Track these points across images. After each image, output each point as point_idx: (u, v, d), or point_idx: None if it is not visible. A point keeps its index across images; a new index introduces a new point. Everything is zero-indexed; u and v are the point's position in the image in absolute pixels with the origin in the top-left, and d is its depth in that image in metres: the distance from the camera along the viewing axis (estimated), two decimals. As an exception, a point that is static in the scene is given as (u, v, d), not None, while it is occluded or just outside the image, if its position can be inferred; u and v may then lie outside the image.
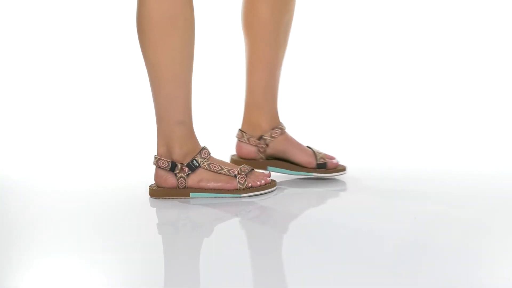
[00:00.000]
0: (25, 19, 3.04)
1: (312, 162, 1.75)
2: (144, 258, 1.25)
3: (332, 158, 1.77)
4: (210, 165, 1.63)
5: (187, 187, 1.62)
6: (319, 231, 1.40)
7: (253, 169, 1.68)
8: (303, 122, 2.42)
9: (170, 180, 1.62)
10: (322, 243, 1.32)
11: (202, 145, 1.65)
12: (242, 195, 1.62)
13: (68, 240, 1.35)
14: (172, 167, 1.61)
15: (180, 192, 1.63)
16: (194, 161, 1.62)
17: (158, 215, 1.56)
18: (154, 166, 1.64)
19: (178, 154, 1.62)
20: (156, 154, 1.63)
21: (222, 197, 1.62)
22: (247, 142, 1.76)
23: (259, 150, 1.76)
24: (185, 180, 1.62)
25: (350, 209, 1.59)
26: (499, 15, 3.02)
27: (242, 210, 1.56)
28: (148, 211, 1.58)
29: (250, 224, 1.51)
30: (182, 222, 1.52)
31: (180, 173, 1.62)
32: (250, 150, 1.76)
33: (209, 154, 1.64)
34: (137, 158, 2.12)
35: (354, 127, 2.57)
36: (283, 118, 1.82)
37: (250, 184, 1.63)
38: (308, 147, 1.78)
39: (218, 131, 2.13)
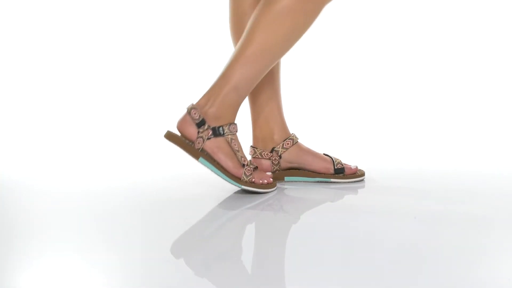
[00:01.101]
0: (25, 19, 3.04)
1: (330, 168, 1.75)
2: (145, 259, 1.25)
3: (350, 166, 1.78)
4: (233, 140, 1.63)
5: (201, 149, 1.62)
6: (319, 231, 1.40)
7: (257, 167, 1.68)
8: (305, 128, 2.42)
9: (191, 129, 1.62)
10: (323, 242, 1.32)
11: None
12: (243, 186, 1.63)
13: (68, 240, 1.35)
14: (200, 124, 1.62)
15: (192, 150, 1.62)
16: (221, 129, 1.63)
17: (159, 215, 1.56)
18: (185, 112, 1.64)
19: (212, 112, 1.63)
20: (194, 102, 1.64)
21: (223, 180, 1.64)
22: (260, 157, 1.76)
23: (273, 163, 1.76)
24: (203, 141, 1.62)
25: (349, 208, 1.59)
26: (499, 15, 3.02)
27: (244, 210, 1.56)
28: (149, 211, 1.57)
29: (249, 225, 1.51)
30: (184, 222, 1.52)
31: (202, 133, 1.62)
32: (265, 164, 1.76)
33: (236, 131, 1.65)
34: (138, 158, 2.12)
35: (354, 129, 2.57)
36: (290, 127, 1.82)
37: (253, 180, 1.64)
38: (325, 154, 1.78)
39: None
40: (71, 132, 2.54)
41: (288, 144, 1.75)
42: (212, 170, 1.63)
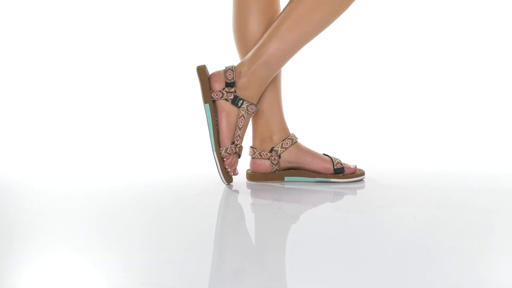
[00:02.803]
0: (25, 19, 3.04)
1: (330, 168, 1.75)
2: (146, 259, 1.25)
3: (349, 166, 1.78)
4: (242, 117, 1.69)
5: (214, 101, 1.69)
6: (318, 231, 1.40)
7: (238, 156, 1.73)
8: (305, 128, 2.42)
9: (217, 84, 1.70)
10: (322, 242, 1.32)
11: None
12: (215, 154, 1.68)
13: (68, 240, 1.35)
14: (229, 85, 1.69)
15: (207, 93, 1.69)
16: (241, 101, 1.69)
17: (160, 214, 1.56)
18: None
19: (242, 82, 1.69)
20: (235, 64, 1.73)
21: (208, 137, 1.70)
22: (259, 157, 1.76)
23: (272, 163, 1.76)
24: (220, 97, 1.69)
25: (349, 208, 1.59)
26: (499, 15, 3.02)
27: (243, 210, 1.56)
28: (150, 211, 1.58)
29: (249, 225, 1.51)
30: (183, 223, 1.52)
31: (226, 93, 1.69)
32: (264, 164, 1.77)
33: (253, 113, 1.70)
34: (138, 158, 2.12)
35: (354, 129, 2.57)
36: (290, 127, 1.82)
37: (228, 169, 1.71)
38: (324, 154, 1.78)
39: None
40: (71, 132, 2.54)
41: (287, 144, 1.75)
42: (207, 123, 1.68)
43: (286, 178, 1.77)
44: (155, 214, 1.56)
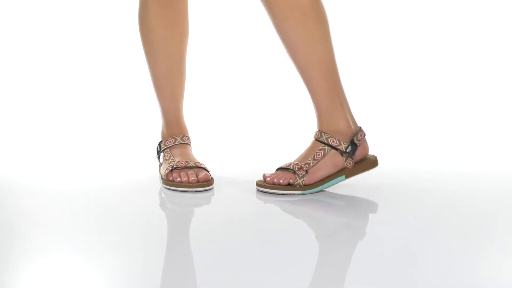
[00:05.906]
0: (25, 19, 3.04)
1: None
2: (145, 259, 1.25)
3: None
4: (164, 156, 1.76)
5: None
6: (318, 231, 1.40)
7: (192, 167, 1.70)
8: (306, 128, 2.42)
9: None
10: (322, 242, 1.32)
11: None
12: (162, 185, 1.72)
13: (68, 240, 1.35)
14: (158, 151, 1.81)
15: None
16: (158, 147, 1.80)
17: (159, 213, 1.56)
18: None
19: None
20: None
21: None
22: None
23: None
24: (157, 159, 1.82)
25: (349, 208, 1.59)
26: (499, 15, 3.02)
27: (242, 211, 1.56)
28: (149, 210, 1.57)
29: (249, 226, 1.51)
30: (182, 223, 1.52)
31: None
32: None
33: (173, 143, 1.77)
34: (137, 158, 2.12)
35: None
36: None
37: (171, 177, 1.68)
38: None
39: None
40: (70, 132, 2.54)
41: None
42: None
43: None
44: (156, 213, 1.56)
